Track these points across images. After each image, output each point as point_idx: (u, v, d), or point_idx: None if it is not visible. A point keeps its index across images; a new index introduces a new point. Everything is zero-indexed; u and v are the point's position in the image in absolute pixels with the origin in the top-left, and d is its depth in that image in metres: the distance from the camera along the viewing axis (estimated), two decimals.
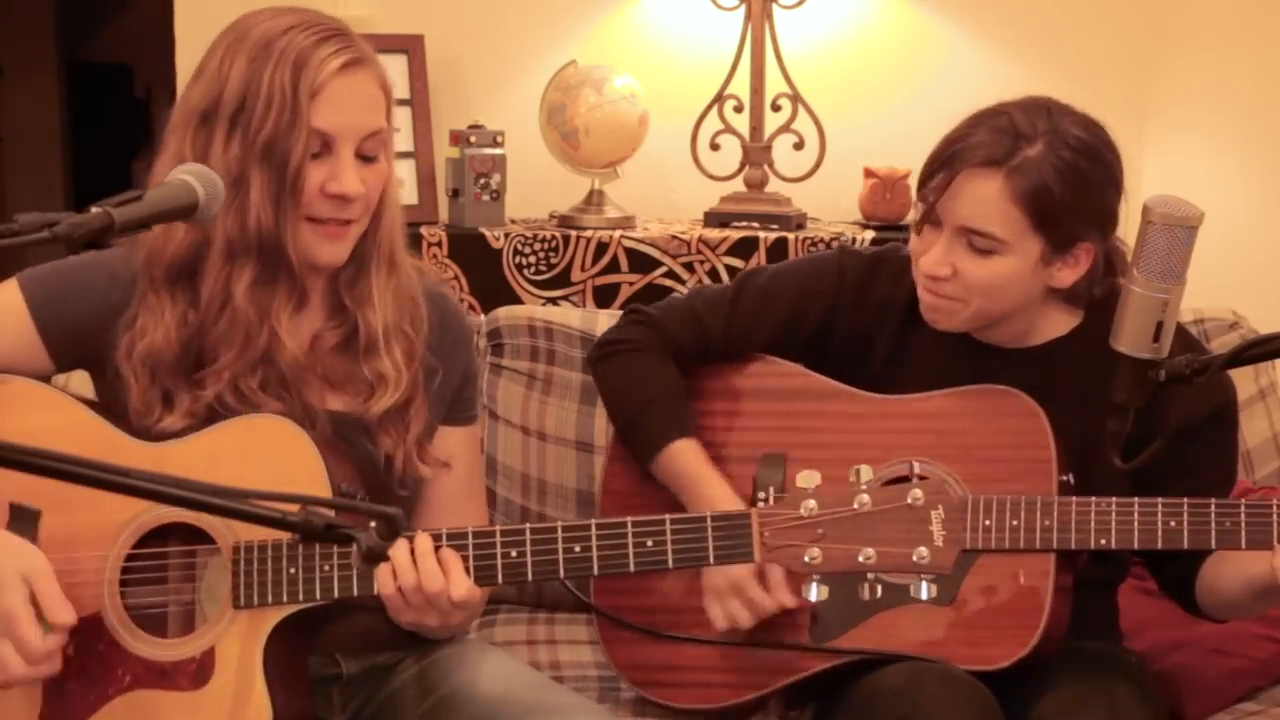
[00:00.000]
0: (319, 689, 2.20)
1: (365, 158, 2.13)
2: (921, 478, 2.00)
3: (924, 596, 1.97)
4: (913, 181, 3.43)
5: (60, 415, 2.14)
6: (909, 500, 1.94)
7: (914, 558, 1.93)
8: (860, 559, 1.94)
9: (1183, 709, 2.54)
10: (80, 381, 2.28)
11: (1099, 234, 2.31)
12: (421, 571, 2.01)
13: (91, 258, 2.19)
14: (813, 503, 1.97)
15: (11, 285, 2.17)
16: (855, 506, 1.95)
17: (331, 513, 1.56)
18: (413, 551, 2.01)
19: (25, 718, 2.09)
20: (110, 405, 2.17)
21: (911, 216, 2.36)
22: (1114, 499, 2.23)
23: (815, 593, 1.99)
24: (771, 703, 2.46)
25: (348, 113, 2.10)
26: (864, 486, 1.96)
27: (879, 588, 1.97)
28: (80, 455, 1.97)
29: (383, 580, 2.03)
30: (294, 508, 1.53)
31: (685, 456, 2.43)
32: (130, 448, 2.10)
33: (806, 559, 1.96)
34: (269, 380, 2.13)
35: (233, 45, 2.11)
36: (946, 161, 2.29)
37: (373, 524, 1.53)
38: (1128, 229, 2.21)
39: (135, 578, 2.08)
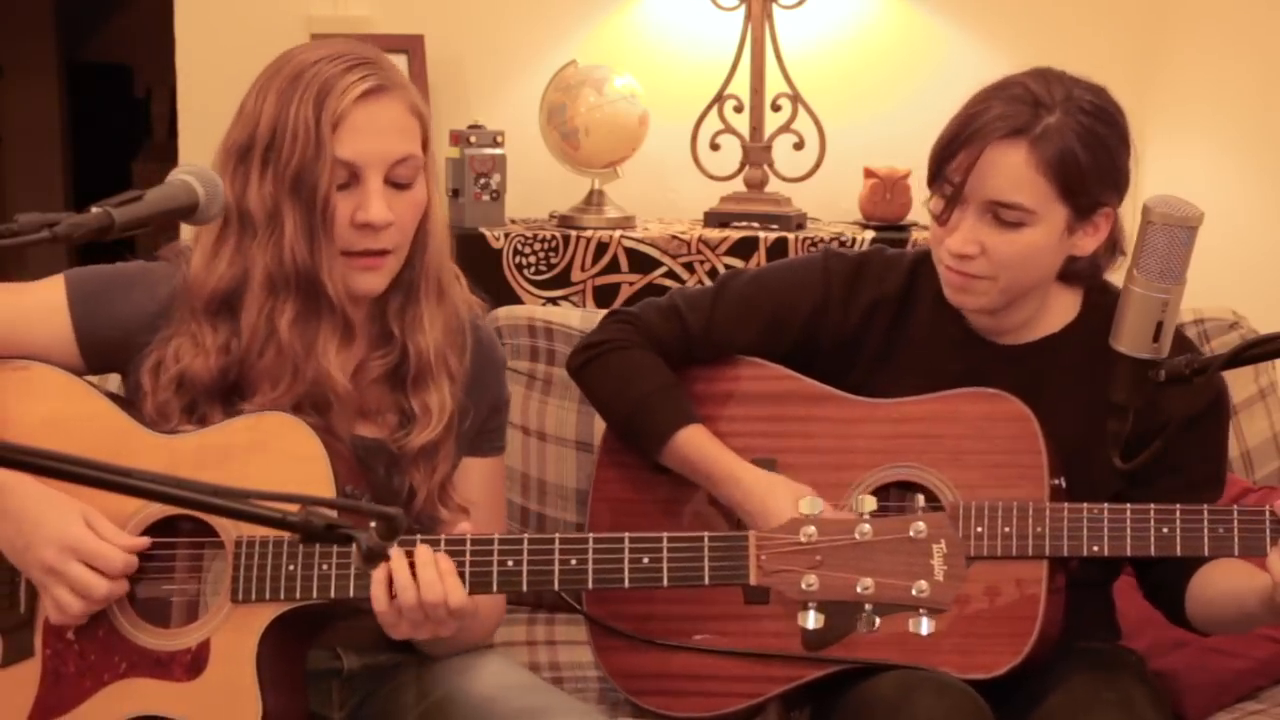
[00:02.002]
0: (319, 683, 2.20)
1: (397, 184, 2.12)
2: (930, 500, 1.96)
3: (923, 631, 1.92)
4: (913, 181, 3.48)
5: (77, 404, 2.16)
6: (911, 533, 1.92)
7: (913, 591, 1.90)
8: (858, 589, 1.92)
9: (1183, 708, 2.54)
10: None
11: (1116, 196, 2.32)
12: (421, 582, 2.00)
13: (138, 267, 2.22)
14: (812, 529, 1.95)
15: (58, 281, 2.20)
16: (856, 536, 1.93)
17: (333, 513, 1.56)
18: (412, 564, 2.01)
19: (22, 700, 2.11)
20: (132, 400, 2.19)
21: (930, 205, 2.34)
22: (1106, 505, 2.23)
23: (812, 620, 1.95)
24: (769, 706, 2.45)
25: (371, 141, 2.09)
26: (866, 516, 1.94)
27: (876, 620, 1.92)
28: (92, 445, 2.06)
29: (377, 596, 2.01)
30: (295, 507, 1.53)
31: (696, 441, 2.41)
32: (143, 439, 2.12)
33: (803, 585, 1.94)
34: (303, 405, 2.13)
35: (267, 81, 2.12)
36: (968, 139, 2.27)
37: (373, 524, 1.53)
38: (1128, 228, 2.21)
39: (141, 565, 2.09)
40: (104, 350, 2.19)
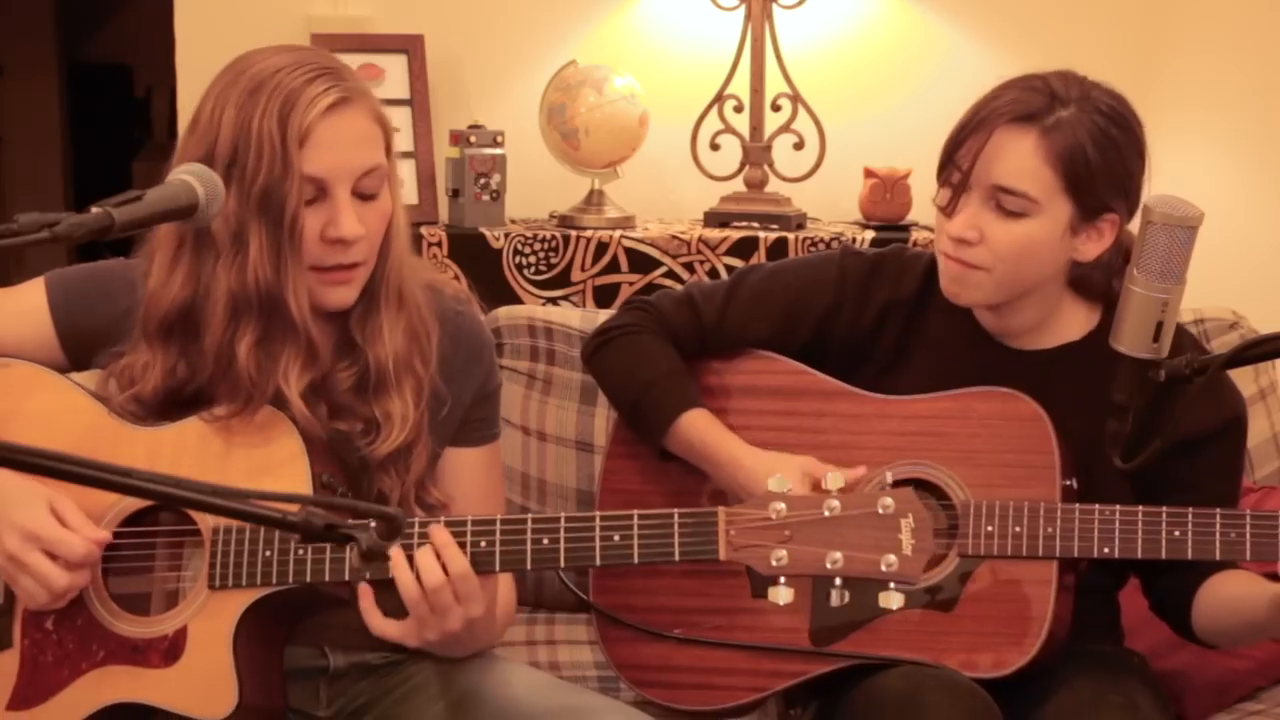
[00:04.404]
0: (305, 680, 2.21)
1: (364, 195, 2.09)
2: (901, 481, 2.00)
3: (894, 606, 1.95)
4: (913, 181, 3.48)
5: (58, 398, 2.17)
6: (879, 508, 1.95)
7: (881, 565, 1.94)
8: (827, 564, 1.95)
9: (1183, 708, 2.54)
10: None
11: (1124, 204, 2.30)
12: (421, 570, 1.99)
13: (118, 266, 2.22)
14: (781, 505, 1.98)
15: (38, 284, 2.21)
16: (824, 512, 1.96)
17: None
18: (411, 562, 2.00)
19: (1, 690, 2.12)
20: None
21: (936, 199, 2.33)
22: (1118, 507, 2.22)
23: (783, 596, 1.98)
24: (771, 701, 2.45)
25: (339, 154, 2.06)
26: (835, 493, 1.97)
27: (846, 594, 1.96)
28: (74, 438, 2.07)
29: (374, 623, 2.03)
30: (294, 507, 1.53)
31: (699, 425, 2.41)
32: (123, 432, 2.13)
33: (773, 561, 1.97)
34: None
35: (224, 90, 2.07)
36: (979, 124, 2.27)
37: (372, 524, 1.53)
38: (1131, 226, 2.21)
39: (120, 555, 2.10)
40: (85, 348, 2.20)
